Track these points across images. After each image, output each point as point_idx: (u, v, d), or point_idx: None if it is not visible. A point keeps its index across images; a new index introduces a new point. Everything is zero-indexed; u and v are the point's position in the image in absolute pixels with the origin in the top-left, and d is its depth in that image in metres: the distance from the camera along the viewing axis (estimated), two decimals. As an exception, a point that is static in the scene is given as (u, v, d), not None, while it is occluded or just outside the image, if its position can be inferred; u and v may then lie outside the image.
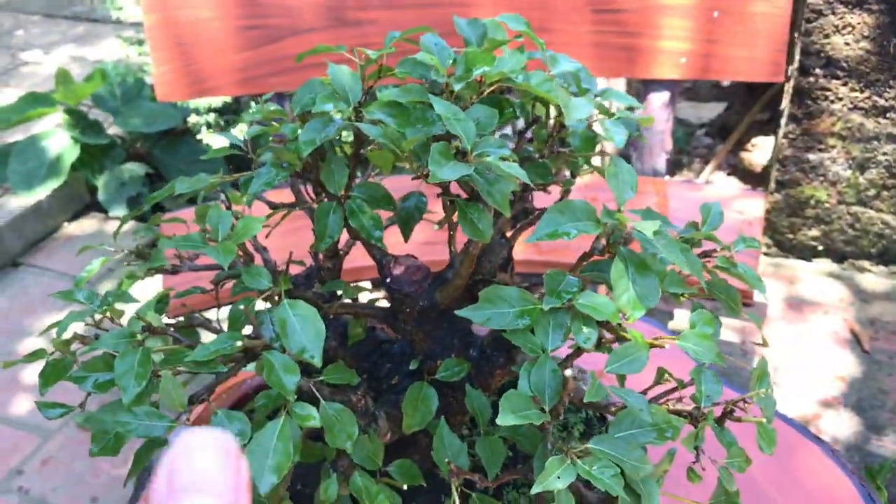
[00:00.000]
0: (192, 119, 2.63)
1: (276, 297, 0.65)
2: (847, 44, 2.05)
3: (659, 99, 1.87)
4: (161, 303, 0.74)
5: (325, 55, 0.70)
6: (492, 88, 0.64)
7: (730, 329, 2.20)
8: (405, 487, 0.68)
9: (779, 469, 1.08)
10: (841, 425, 1.91)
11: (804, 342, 2.14)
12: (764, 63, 1.72)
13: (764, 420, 0.64)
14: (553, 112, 0.68)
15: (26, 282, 2.62)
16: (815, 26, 2.06)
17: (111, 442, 0.61)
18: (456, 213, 0.63)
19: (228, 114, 2.81)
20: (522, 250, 1.60)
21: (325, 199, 0.68)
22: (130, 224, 2.88)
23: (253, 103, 2.71)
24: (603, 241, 0.64)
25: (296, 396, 0.61)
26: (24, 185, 2.76)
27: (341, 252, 0.81)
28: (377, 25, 1.83)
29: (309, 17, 1.79)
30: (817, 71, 2.11)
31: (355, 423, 0.63)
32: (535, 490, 0.52)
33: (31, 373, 2.27)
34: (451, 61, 0.64)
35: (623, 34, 1.82)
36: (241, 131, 2.67)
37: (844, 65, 2.07)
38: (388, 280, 0.72)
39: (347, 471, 0.67)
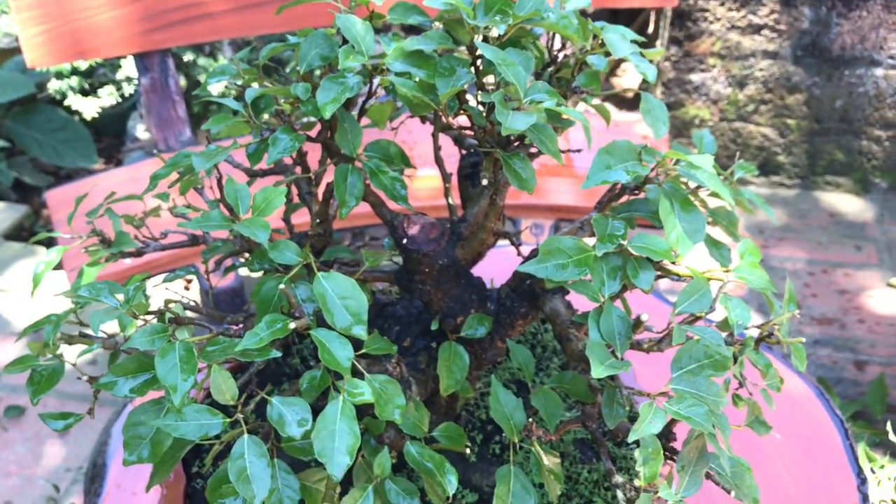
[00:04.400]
0: (54, 84, 2.42)
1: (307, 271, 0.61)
2: (722, -35, 2.11)
3: (557, 30, 1.87)
4: (140, 291, 0.68)
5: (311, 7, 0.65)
6: (511, 31, 0.61)
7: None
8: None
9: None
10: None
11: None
12: (659, -13, 1.75)
13: (800, 340, 0.66)
14: (569, 51, 0.66)
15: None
16: (691, -51, 2.11)
17: (148, 448, 0.56)
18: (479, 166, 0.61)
19: (89, 76, 2.61)
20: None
21: (339, 163, 0.64)
22: (-8, 204, 2.65)
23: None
24: (635, 181, 0.63)
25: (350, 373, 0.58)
26: None
27: (331, 214, 0.77)
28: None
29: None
30: (696, -7, 2.17)
31: (401, 393, 0.61)
32: (631, 438, 0.52)
33: None
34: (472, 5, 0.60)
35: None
36: (109, 94, 2.48)
37: (721, -14, 2.14)
38: (405, 241, 0.68)
39: (396, 442, 0.64)
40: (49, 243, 2.45)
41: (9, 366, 0.65)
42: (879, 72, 2.17)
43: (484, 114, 0.58)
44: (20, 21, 1.64)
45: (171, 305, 0.57)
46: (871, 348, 1.93)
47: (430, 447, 0.64)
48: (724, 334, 0.67)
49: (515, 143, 0.60)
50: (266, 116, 0.63)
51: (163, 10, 1.68)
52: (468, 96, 0.62)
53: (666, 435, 0.64)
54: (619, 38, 0.60)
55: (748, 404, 0.69)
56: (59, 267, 1.84)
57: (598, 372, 0.51)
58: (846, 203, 2.36)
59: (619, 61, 0.72)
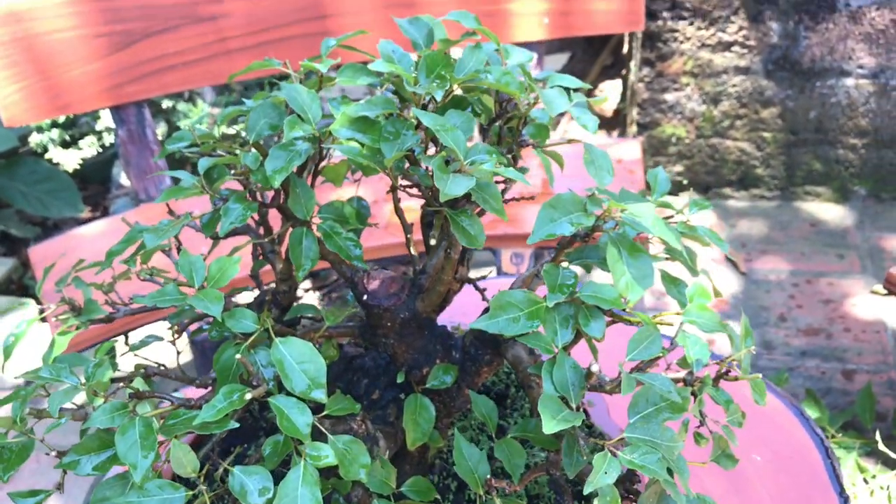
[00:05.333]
0: (35, 138, 2.44)
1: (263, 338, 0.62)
2: (688, -15, 2.14)
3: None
4: (110, 357, 0.69)
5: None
6: (452, 91, 0.63)
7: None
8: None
9: (718, 405, 1.13)
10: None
11: (682, 270, 2.25)
12: (621, 13, 1.78)
13: (758, 376, 0.66)
14: (512, 106, 0.67)
15: None
16: (657, -28, 2.14)
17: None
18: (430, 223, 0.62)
19: (70, 128, 2.62)
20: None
21: (294, 226, 0.65)
22: (-21, 259, 2.66)
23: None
24: (585, 229, 0.64)
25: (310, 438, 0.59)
26: None
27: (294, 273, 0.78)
28: (233, 18, 1.75)
29: (160, 16, 1.69)
30: (664, 14, 2.19)
31: (366, 452, 0.62)
32: (587, 490, 0.52)
33: None
34: (413, 68, 0.62)
35: (485, 2, 1.82)
36: (90, 144, 2.50)
37: (689, 5, 2.16)
38: (366, 296, 0.69)
39: (363, 500, 0.65)
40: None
41: (-22, 445, 0.66)
42: (850, 81, 2.19)
43: (430, 175, 0.60)
44: (0, 80, 1.65)
45: (134, 379, 0.58)
46: (859, 357, 1.93)
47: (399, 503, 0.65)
48: (684, 372, 0.68)
49: (463, 201, 0.61)
50: (223, 184, 0.64)
51: (134, 63, 1.70)
52: (418, 156, 0.63)
53: (629, 478, 0.65)
54: (556, 94, 0.61)
55: (714, 438, 0.70)
56: (44, 320, 1.84)
57: (549, 427, 0.52)
58: (826, 212, 2.37)
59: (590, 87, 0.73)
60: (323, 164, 0.70)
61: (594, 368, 0.56)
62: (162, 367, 0.72)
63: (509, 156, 0.68)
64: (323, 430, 0.62)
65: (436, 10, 1.82)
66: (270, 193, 0.69)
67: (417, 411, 0.69)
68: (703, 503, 0.63)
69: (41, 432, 0.66)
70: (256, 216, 0.75)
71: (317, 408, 0.64)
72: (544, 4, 1.80)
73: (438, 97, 0.58)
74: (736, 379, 0.67)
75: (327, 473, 0.64)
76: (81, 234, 1.77)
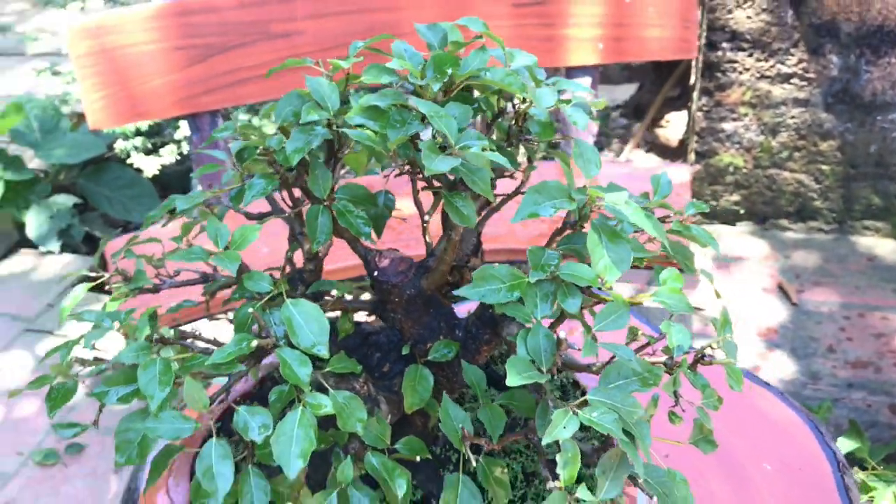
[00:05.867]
0: (119, 144, 2.61)
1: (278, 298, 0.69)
2: (749, 17, 2.17)
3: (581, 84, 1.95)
4: (152, 319, 0.78)
5: (302, 69, 0.74)
6: (458, 87, 0.70)
7: (667, 297, 2.31)
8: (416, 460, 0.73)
9: (733, 414, 1.16)
10: (779, 373, 2.03)
11: (736, 299, 2.26)
12: (675, 41, 1.82)
13: (732, 361, 0.71)
14: (517, 103, 0.74)
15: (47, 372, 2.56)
16: (718, 3, 2.18)
17: (136, 451, 0.65)
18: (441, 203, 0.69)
19: (153, 136, 2.80)
20: (492, 241, 1.66)
21: (312, 204, 0.73)
22: (66, 259, 2.84)
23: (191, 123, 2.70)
24: (574, 217, 0.70)
25: (309, 388, 0.66)
26: (-52, 228, 2.70)
27: (320, 254, 0.86)
28: (306, 36, 1.86)
29: (237, 32, 1.82)
30: (724, 45, 2.23)
31: (364, 408, 0.68)
32: (545, 441, 0.58)
33: (-19, 416, 2.22)
34: (421, 65, 0.69)
35: (542, 26, 1.89)
36: (170, 152, 2.66)
37: (748, 37, 2.19)
38: (376, 273, 0.77)
39: (360, 452, 0.71)
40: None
41: (30, 383, 0.75)
42: (912, 117, 2.18)
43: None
44: (84, 87, 1.80)
45: (161, 328, 0.67)
46: (907, 392, 1.91)
47: (391, 457, 0.71)
48: (664, 357, 0.73)
49: (461, 185, 0.68)
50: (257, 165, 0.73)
51: (210, 76, 1.83)
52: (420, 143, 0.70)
53: (604, 442, 0.70)
54: (546, 92, 0.67)
55: (695, 422, 0.75)
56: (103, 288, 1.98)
57: (512, 381, 0.58)
58: (884, 247, 2.35)
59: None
60: (345, 151, 0.77)
61: (562, 335, 0.62)
62: (197, 332, 0.81)
63: (508, 149, 0.74)
64: (326, 385, 0.69)
65: (492, 31, 1.90)
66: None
67: (416, 379, 0.75)
68: (671, 476, 0.67)
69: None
70: (291, 203, 0.83)
71: (322, 365, 0.71)
72: (599, 30, 1.86)
73: (435, 88, 0.65)
74: (710, 363, 0.71)
75: (328, 426, 0.71)
76: (153, 231, 1.89)
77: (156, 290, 0.88)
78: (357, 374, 0.73)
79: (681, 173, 1.88)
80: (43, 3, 4.63)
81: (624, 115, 3.44)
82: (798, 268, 2.32)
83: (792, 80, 2.22)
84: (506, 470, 0.69)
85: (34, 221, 2.81)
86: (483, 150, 0.62)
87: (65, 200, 2.88)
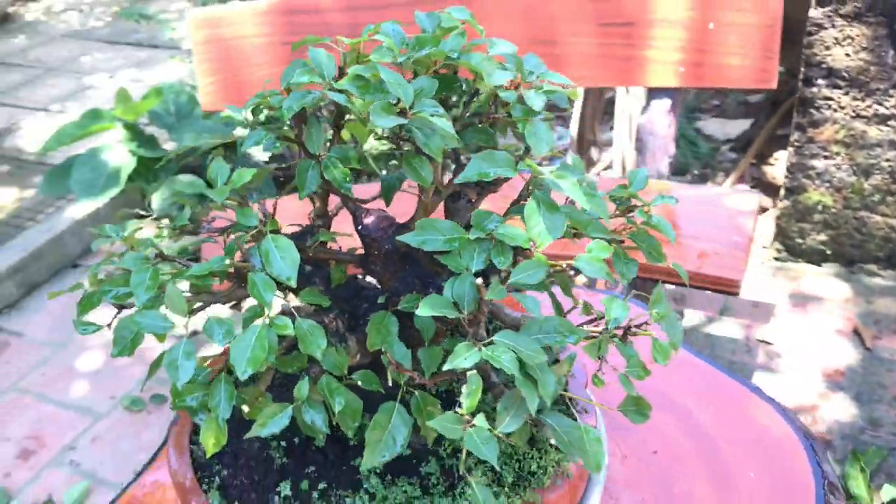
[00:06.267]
0: (238, 132, 2.83)
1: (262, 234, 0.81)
2: (847, 55, 2.15)
3: (661, 106, 2.00)
4: (157, 238, 0.90)
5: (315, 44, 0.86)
6: (441, 67, 0.80)
7: (737, 325, 2.30)
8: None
9: (730, 424, 1.19)
10: (839, 415, 1.99)
11: (808, 338, 2.23)
12: (754, 70, 1.84)
13: (665, 339, 0.77)
14: (486, 85, 0.82)
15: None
16: (816, 39, 2.17)
17: (128, 345, 0.77)
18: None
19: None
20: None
21: (305, 158, 0.84)
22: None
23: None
24: (525, 191, 0.78)
25: (278, 312, 0.77)
26: (86, 193, 2.99)
27: (330, 213, 0.97)
28: (399, 40, 2.00)
29: (335, 28, 1.97)
30: (819, 81, 2.21)
31: (324, 337, 0.78)
32: (445, 367, 0.67)
33: (85, 362, 2.47)
34: (405, 45, 0.79)
35: (626, 46, 1.96)
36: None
37: (845, 75, 2.17)
38: (360, 227, 0.87)
39: (318, 376, 0.81)
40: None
41: (70, 288, 0.90)
42: None
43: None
44: (199, 71, 2.00)
45: (163, 247, 0.79)
46: (971, 450, 1.84)
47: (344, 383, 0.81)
48: (600, 328, 0.80)
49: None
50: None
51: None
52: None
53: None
54: (502, 72, 0.76)
55: (623, 384, 0.80)
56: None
57: (422, 311, 0.67)
58: (976, 303, 2.26)
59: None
60: (346, 118, 0.88)
61: (478, 282, 0.70)
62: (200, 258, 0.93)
63: (481, 126, 0.83)
64: (295, 313, 0.80)
65: (573, 49, 1.98)
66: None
67: (381, 322, 0.85)
68: (579, 429, 0.74)
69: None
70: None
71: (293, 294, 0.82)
72: (679, 55, 1.91)
73: (400, 61, 0.75)
74: (635, 335, 0.77)
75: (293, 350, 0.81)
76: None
77: (194, 231, 1.02)
78: (326, 308, 0.84)
79: (748, 201, 1.89)
80: (201, 2, 5.02)
81: (733, 150, 3.42)
82: (878, 314, 2.26)
83: (889, 122, 2.18)
84: (438, 406, 0.78)
85: (158, 196, 3.08)
86: (433, 115, 0.71)
87: (189, 180, 3.14)
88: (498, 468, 0.69)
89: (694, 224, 1.86)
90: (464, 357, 0.67)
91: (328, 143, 0.87)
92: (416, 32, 0.85)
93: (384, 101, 0.71)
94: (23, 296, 2.78)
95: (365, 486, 0.86)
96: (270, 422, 0.78)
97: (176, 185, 3.13)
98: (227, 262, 0.75)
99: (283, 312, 0.81)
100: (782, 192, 2.44)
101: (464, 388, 0.69)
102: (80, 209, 3.02)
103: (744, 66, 1.86)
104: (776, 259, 2.54)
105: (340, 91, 0.78)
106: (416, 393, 0.78)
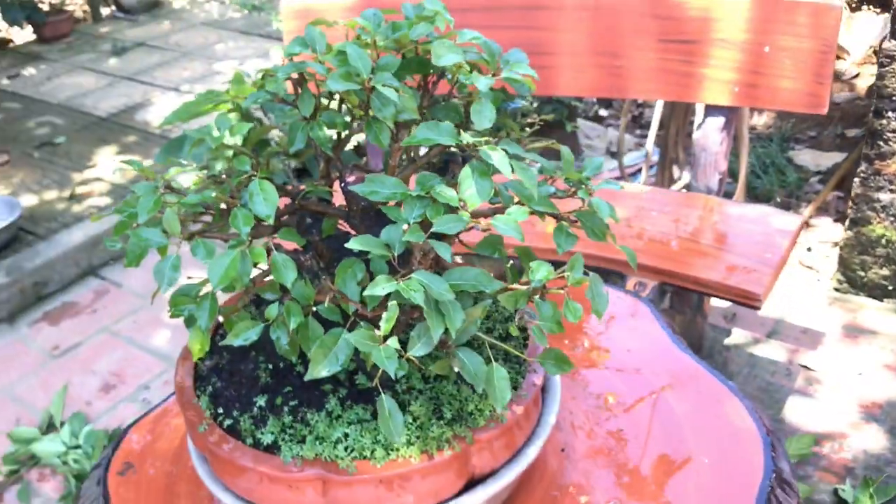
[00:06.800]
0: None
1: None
2: (919, 89, 2.15)
3: (714, 123, 2.06)
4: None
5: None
6: (409, 47, 0.93)
7: (782, 349, 2.32)
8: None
9: (701, 415, 1.27)
10: (867, 445, 1.99)
11: (852, 368, 2.22)
12: (805, 94, 1.89)
13: (564, 293, 0.88)
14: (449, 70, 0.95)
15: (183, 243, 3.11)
16: (887, 70, 2.18)
17: (136, 256, 0.94)
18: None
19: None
20: (583, 245, 1.83)
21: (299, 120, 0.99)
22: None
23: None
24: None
25: (257, 244, 0.92)
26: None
27: (332, 176, 1.12)
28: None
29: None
30: (889, 114, 2.21)
31: (295, 270, 0.93)
32: (366, 293, 0.80)
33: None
34: (380, 27, 0.93)
35: (684, 62, 2.03)
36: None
37: (916, 109, 2.17)
38: (342, 184, 1.02)
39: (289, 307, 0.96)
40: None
41: (95, 216, 1.08)
42: None
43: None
44: (288, 58, 2.20)
45: (173, 181, 0.96)
46: None
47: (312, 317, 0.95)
48: (526, 288, 0.91)
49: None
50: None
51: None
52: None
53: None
54: (452, 55, 0.88)
55: (536, 335, 0.91)
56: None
57: (352, 245, 0.81)
58: None
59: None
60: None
61: (413, 239, 0.83)
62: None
63: (446, 102, 0.95)
64: (272, 248, 0.95)
65: (634, 63, 2.07)
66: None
67: (350, 266, 0.98)
68: (496, 371, 0.86)
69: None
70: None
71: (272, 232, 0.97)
72: (734, 75, 1.97)
73: (367, 39, 0.89)
74: (550, 292, 0.88)
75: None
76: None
77: (221, 181, 1.18)
78: (304, 249, 0.98)
79: (791, 222, 1.93)
80: None
81: (822, 182, 3.38)
82: (930, 352, 2.23)
83: (958, 161, 2.16)
84: (377, 333, 0.90)
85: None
86: (384, 86, 0.85)
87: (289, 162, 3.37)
88: (394, 377, 0.81)
89: (732, 239, 1.91)
90: (381, 286, 0.80)
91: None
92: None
93: (345, 70, 0.86)
94: (127, 251, 3.08)
95: (326, 406, 1.00)
96: (243, 334, 0.94)
97: (278, 165, 3.37)
98: (215, 195, 0.91)
99: (268, 250, 0.96)
100: (847, 223, 2.44)
101: (384, 314, 0.82)
102: (187, 178, 3.30)
103: (796, 90, 1.91)
104: (836, 290, 2.53)
105: (321, 63, 0.92)
106: (361, 323, 0.91)
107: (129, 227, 1.00)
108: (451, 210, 0.87)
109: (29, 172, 3.65)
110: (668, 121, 2.90)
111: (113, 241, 1.01)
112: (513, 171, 0.86)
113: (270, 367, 1.08)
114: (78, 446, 2.15)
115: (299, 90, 0.98)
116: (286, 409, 1.01)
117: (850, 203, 2.38)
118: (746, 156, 2.58)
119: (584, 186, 0.97)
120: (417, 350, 0.83)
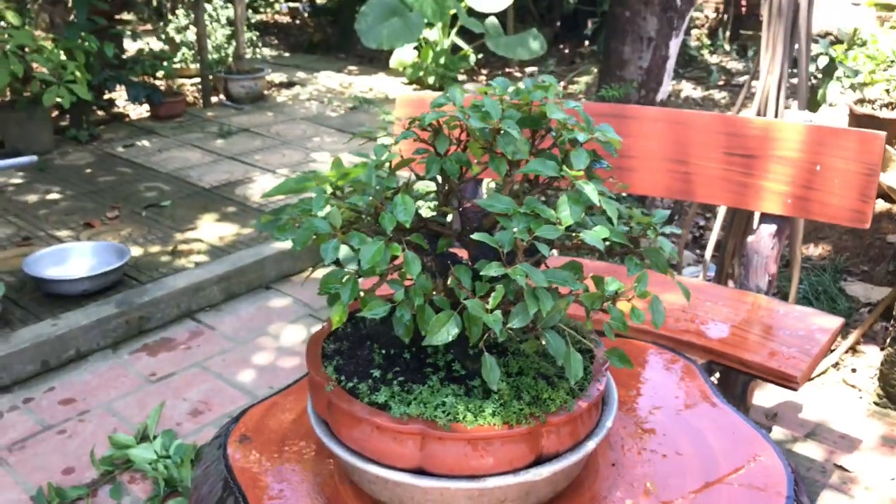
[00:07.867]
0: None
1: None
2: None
3: (768, 229, 2.31)
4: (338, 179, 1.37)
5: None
6: (529, 109, 1.23)
7: (820, 449, 2.47)
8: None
9: (736, 455, 1.47)
10: None
11: (887, 473, 2.36)
12: (850, 211, 2.13)
13: (630, 306, 1.13)
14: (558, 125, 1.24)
15: (270, 300, 3.43)
16: (930, 202, 2.41)
17: (301, 239, 1.22)
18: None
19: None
20: (647, 330, 2.07)
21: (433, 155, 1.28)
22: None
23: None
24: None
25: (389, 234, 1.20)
26: (289, 234, 3.62)
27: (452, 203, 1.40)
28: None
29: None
30: (930, 241, 2.43)
31: (420, 266, 1.20)
32: (482, 272, 1.06)
33: (257, 358, 3.00)
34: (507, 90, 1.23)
35: (743, 174, 2.31)
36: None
37: (954, 239, 2.38)
38: (460, 210, 1.30)
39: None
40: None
41: (274, 205, 1.38)
42: None
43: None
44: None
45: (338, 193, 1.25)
46: None
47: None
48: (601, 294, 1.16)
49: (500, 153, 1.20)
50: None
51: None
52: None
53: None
54: (556, 111, 1.17)
55: (606, 331, 1.15)
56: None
57: (475, 236, 1.08)
58: None
59: None
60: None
61: (515, 233, 1.10)
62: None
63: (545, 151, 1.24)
64: (403, 246, 1.23)
65: (700, 171, 2.35)
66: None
67: (461, 271, 1.25)
68: (573, 354, 1.10)
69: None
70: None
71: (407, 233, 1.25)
72: (788, 188, 2.23)
73: (506, 100, 1.19)
74: (619, 300, 1.13)
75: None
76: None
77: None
78: (426, 251, 1.26)
79: (833, 322, 2.14)
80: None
81: (870, 314, 3.55)
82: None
83: None
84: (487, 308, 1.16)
85: (346, 248, 3.66)
86: (509, 128, 1.14)
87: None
88: (495, 331, 1.07)
89: (777, 331, 2.13)
90: (494, 269, 1.07)
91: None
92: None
93: (481, 113, 1.15)
94: (223, 300, 3.40)
95: (428, 382, 1.25)
96: (374, 310, 1.21)
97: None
98: (371, 199, 1.20)
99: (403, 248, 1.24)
100: (888, 341, 2.62)
101: (492, 294, 1.08)
102: (280, 245, 3.64)
103: (842, 206, 2.16)
104: (876, 404, 2.69)
105: (462, 113, 1.22)
106: (469, 303, 1.17)
107: (286, 222, 1.29)
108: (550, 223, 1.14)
109: (136, 228, 4.03)
110: (726, 240, 3.15)
111: (266, 221, 1.29)
112: (599, 201, 1.13)
113: (383, 352, 1.34)
114: (168, 456, 2.40)
115: (437, 134, 1.28)
116: (396, 381, 1.26)
117: (891, 322, 2.58)
118: (798, 270, 2.81)
119: (653, 227, 1.23)
120: (515, 322, 1.08)
